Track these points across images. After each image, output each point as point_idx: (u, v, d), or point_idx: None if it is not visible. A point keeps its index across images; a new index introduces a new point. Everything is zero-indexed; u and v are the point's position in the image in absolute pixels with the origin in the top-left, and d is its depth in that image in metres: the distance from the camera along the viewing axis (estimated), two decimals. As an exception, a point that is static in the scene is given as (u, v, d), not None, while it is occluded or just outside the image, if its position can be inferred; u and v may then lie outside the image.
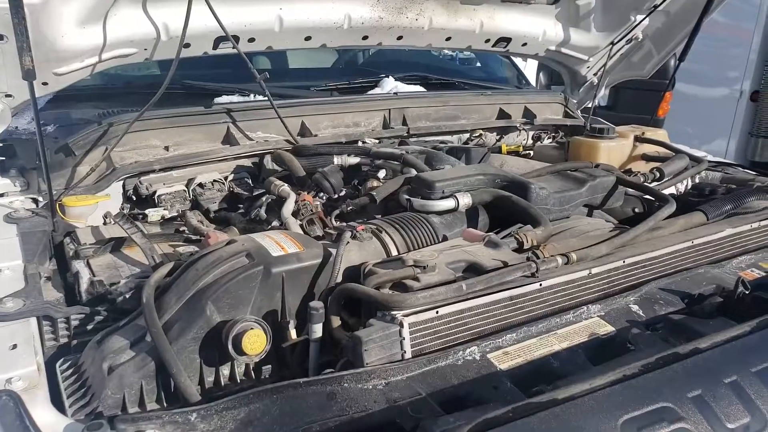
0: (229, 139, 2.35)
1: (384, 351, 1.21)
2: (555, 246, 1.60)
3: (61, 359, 1.39)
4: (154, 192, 2.12)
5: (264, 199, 2.00)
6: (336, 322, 1.32)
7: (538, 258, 1.54)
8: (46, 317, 1.43)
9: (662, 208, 1.85)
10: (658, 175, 2.42)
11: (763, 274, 1.74)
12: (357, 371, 1.16)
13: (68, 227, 1.92)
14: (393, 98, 2.79)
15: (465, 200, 1.79)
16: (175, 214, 2.08)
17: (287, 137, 2.43)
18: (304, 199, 1.89)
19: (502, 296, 1.37)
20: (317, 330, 1.28)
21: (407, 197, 1.81)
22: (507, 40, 3.07)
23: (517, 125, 3.07)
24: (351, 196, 2.01)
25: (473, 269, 1.48)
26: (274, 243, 1.41)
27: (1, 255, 1.64)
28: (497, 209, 1.86)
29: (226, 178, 2.27)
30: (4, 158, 2.26)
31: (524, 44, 3.17)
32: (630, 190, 2.16)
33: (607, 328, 1.40)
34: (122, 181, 2.14)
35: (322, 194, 2.03)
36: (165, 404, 1.27)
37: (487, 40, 3.02)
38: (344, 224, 1.81)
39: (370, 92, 2.99)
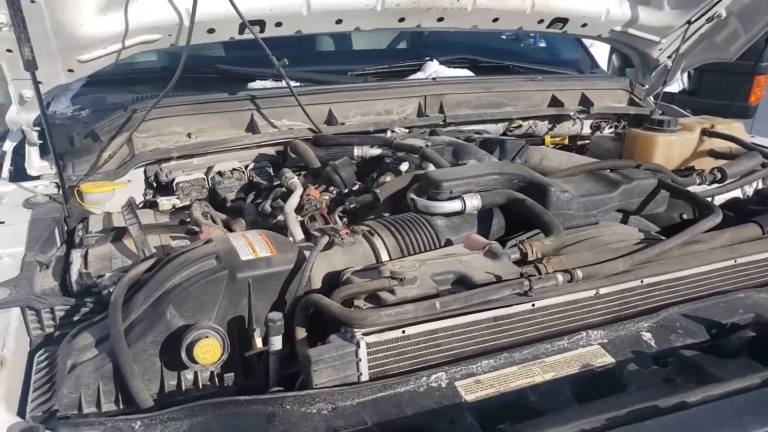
0: (252, 127, 2.30)
1: (337, 372, 1.11)
2: (562, 260, 1.43)
3: (42, 350, 1.40)
4: (173, 179, 2.11)
5: (274, 191, 1.94)
6: (301, 334, 1.24)
7: (539, 272, 1.38)
8: (29, 308, 1.44)
9: (704, 218, 1.61)
10: (719, 175, 2.14)
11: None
12: (301, 393, 1.07)
13: (84, 213, 1.95)
14: (430, 84, 2.64)
15: (473, 202, 1.64)
16: (188, 203, 2.06)
17: (312, 125, 2.35)
18: (309, 194, 1.81)
19: (485, 317, 1.24)
20: (276, 342, 1.21)
21: (412, 196, 1.68)
22: (563, 20, 2.83)
23: (571, 114, 2.83)
24: (362, 192, 1.91)
25: (462, 282, 1.35)
26: (247, 245, 1.33)
27: (7, 241, 1.68)
28: (515, 213, 1.70)
29: (246, 167, 2.23)
30: (42, 142, 2.33)
31: (584, 25, 2.91)
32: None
33: (605, 359, 1.23)
34: (143, 168, 2.14)
35: (332, 188, 1.93)
36: (122, 406, 1.24)
37: (541, 21, 2.79)
38: (338, 223, 1.72)
39: (410, 77, 2.85)
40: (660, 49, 3.13)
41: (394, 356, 1.16)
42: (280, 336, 1.20)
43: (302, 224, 1.75)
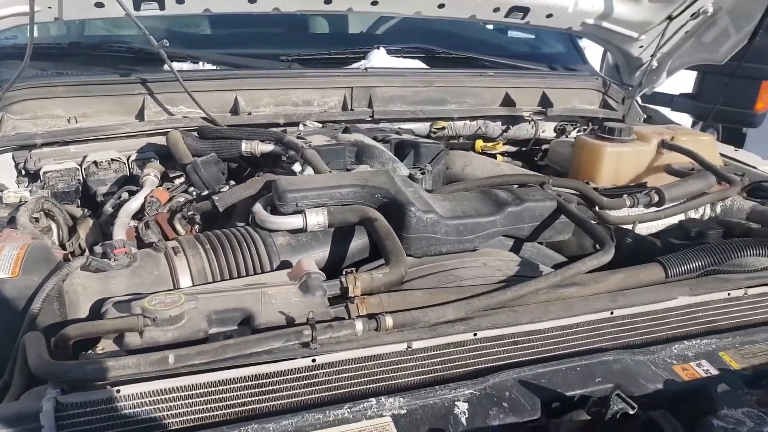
0: (142, 114, 2.08)
1: (15, 439, 0.89)
2: (381, 299, 1.17)
3: None
4: (40, 168, 1.92)
5: (123, 188, 1.72)
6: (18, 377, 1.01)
7: (349, 315, 1.13)
8: None
9: (590, 256, 1.32)
10: (657, 198, 1.82)
11: (716, 371, 1.19)
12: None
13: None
14: (360, 74, 2.37)
15: (317, 219, 1.39)
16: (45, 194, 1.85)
17: (215, 114, 2.12)
18: (153, 195, 1.58)
19: (240, 374, 0.99)
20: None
21: (253, 208, 1.44)
22: (524, 9, 2.51)
23: (525, 115, 2.52)
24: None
25: (249, 323, 1.11)
26: (-9, 262, 1.12)
27: None
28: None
29: (129, 158, 2.01)
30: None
31: (549, 15, 2.58)
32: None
33: (389, 438, 0.97)
34: (11, 154, 1.95)
35: (192, 189, 1.70)
36: None
37: (496, 9, 2.48)
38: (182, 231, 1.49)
39: (352, 66, 2.58)
40: (641, 47, 2.78)
41: (105, 421, 0.93)
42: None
43: (137, 230, 1.53)
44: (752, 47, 2.71)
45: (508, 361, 1.15)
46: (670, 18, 2.57)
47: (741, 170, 2.27)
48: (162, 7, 2.09)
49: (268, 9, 2.23)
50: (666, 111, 3.60)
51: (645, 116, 2.94)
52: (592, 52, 3.62)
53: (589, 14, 2.60)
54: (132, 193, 1.67)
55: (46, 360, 0.92)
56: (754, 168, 2.40)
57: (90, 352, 1.02)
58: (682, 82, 3.73)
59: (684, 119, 3.76)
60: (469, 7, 2.44)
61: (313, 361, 1.03)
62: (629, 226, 1.73)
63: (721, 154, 2.46)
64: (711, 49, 2.76)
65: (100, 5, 2.01)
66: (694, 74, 3.67)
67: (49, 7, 1.97)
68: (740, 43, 2.63)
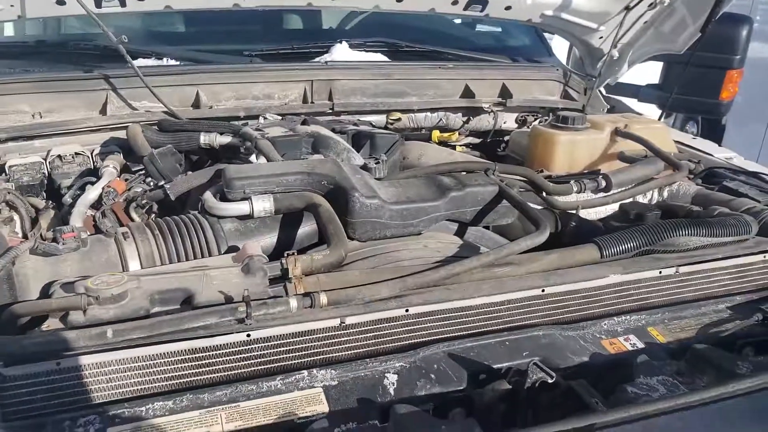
0: (105, 109, 2.12)
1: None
2: (320, 279, 1.22)
3: None
4: (5, 162, 1.95)
5: (83, 179, 1.76)
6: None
7: (286, 293, 1.18)
8: None
9: (525, 237, 1.38)
10: (604, 184, 1.89)
11: (642, 345, 1.25)
12: None
13: None
14: (320, 67, 2.42)
15: (263, 205, 1.44)
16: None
17: (177, 108, 2.16)
18: (110, 186, 1.63)
19: (175, 348, 1.04)
20: None
21: (202, 195, 1.49)
22: (482, 2, 2.56)
23: (484, 106, 2.58)
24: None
25: (189, 302, 1.16)
26: (-61, 248, 1.16)
27: None
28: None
29: (93, 151, 2.05)
30: None
31: (508, 7, 2.64)
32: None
33: (317, 408, 1.02)
34: (-24, 149, 1.99)
35: (150, 180, 1.75)
36: None
37: (455, 2, 2.53)
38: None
39: (314, 60, 2.62)
40: (600, 38, 2.84)
41: (45, 393, 0.98)
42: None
43: (93, 219, 1.58)
44: (716, 37, 2.79)
45: (439, 337, 1.20)
46: (627, 8, 2.63)
47: (696, 157, 2.35)
48: (123, 4, 2.12)
49: (228, 5, 2.27)
50: (632, 102, 3.68)
51: (608, 106, 3.01)
52: (561, 45, 3.70)
53: (547, 6, 2.65)
54: (92, 185, 1.71)
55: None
56: (710, 155, 2.47)
57: (36, 329, 1.07)
58: (649, 72, 3.79)
59: (651, 110, 3.83)
60: (427, 1, 2.49)
61: (248, 336, 1.08)
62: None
63: (678, 142, 2.54)
64: (670, 39, 2.82)
65: (61, 2, 2.04)
66: (660, 65, 3.74)
67: (11, 6, 2.00)
68: (697, 32, 2.70)
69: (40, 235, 1.25)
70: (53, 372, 0.98)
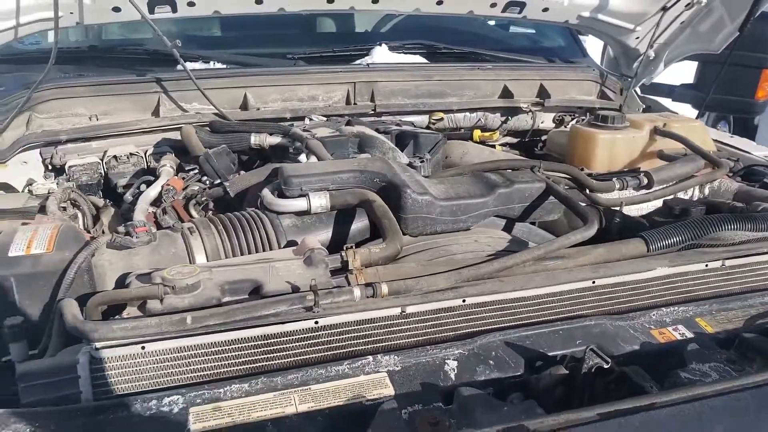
0: (158, 110, 2.21)
1: (53, 391, 1.01)
2: (379, 271, 1.28)
3: None
4: (65, 162, 2.05)
5: (142, 178, 1.85)
6: (56, 342, 1.14)
7: (348, 283, 1.24)
8: None
9: (574, 231, 1.42)
10: (646, 181, 1.92)
11: (691, 335, 1.28)
12: (-1, 412, 0.97)
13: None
14: (362, 70, 2.48)
15: (320, 201, 1.50)
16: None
17: (226, 110, 2.24)
18: (169, 184, 1.71)
19: (249, 334, 1.11)
20: (16, 351, 1.11)
21: (261, 192, 1.56)
22: (520, 4, 2.60)
23: (523, 106, 2.62)
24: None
25: (258, 292, 1.23)
26: (26, 240, 1.24)
27: None
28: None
29: (146, 152, 2.14)
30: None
31: (545, 9, 2.67)
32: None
33: (383, 392, 1.07)
34: (38, 150, 2.09)
35: (206, 178, 1.82)
36: None
37: (493, 5, 2.58)
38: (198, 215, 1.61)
39: (356, 62, 2.69)
40: (637, 38, 2.86)
41: (131, 374, 1.05)
42: (20, 344, 1.10)
43: (155, 216, 1.65)
44: (752, 36, 2.78)
45: (494, 326, 1.25)
46: (664, 9, 2.65)
47: (735, 155, 2.36)
48: (174, 10, 2.21)
49: (273, 9, 2.35)
50: (667, 102, 3.67)
51: (644, 106, 3.02)
52: (595, 46, 3.71)
53: (584, 7, 2.69)
54: (149, 184, 1.79)
55: (80, 320, 1.05)
56: (748, 153, 2.48)
57: (117, 317, 1.14)
58: (683, 72, 3.79)
59: (686, 109, 3.82)
60: (466, 3, 2.54)
61: (316, 323, 1.14)
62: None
63: (717, 141, 2.54)
64: (707, 39, 2.82)
65: (117, 9, 2.14)
66: (695, 64, 3.74)
67: (71, 13, 2.10)
68: (735, 32, 2.71)
69: (115, 229, 1.32)
70: (139, 355, 1.05)
